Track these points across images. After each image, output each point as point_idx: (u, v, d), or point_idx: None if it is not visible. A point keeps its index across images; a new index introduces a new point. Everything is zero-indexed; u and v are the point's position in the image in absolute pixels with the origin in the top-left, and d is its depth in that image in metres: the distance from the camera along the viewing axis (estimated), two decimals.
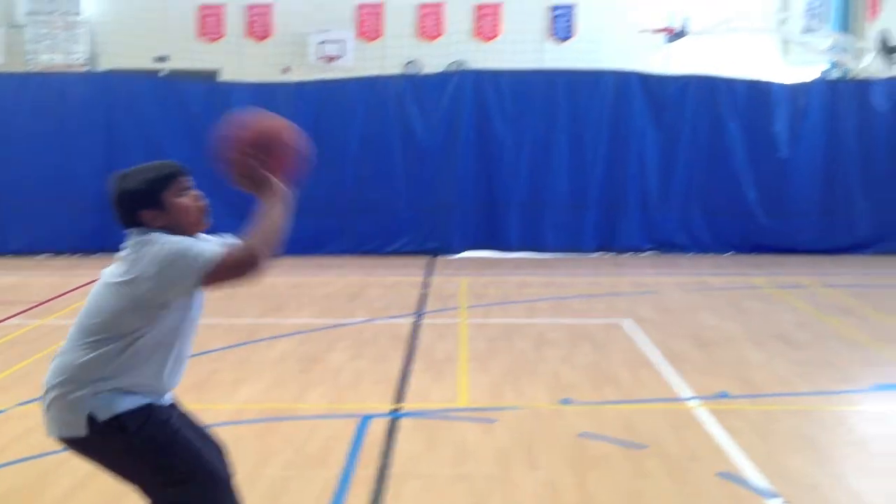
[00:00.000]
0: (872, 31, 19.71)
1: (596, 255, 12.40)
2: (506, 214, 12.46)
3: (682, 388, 5.92)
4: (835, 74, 19.12)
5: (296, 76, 15.99)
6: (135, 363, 2.68)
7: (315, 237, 11.85)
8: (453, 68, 16.10)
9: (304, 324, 8.02)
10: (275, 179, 2.67)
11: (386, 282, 10.32)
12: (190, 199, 2.76)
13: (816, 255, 12.03)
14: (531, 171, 12.48)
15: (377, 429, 5.10)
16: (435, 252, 12.31)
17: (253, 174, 2.67)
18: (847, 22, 21.23)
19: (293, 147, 2.75)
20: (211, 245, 2.69)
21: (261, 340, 7.37)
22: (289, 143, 2.74)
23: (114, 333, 2.65)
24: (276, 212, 2.64)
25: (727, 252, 12.34)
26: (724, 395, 5.73)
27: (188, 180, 2.78)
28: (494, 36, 23.68)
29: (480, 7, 23.57)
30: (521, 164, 12.47)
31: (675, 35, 20.66)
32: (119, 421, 2.65)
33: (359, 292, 9.68)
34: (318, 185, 11.97)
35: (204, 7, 18.38)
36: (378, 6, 21.40)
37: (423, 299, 9.22)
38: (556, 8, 24.14)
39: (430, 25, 23.00)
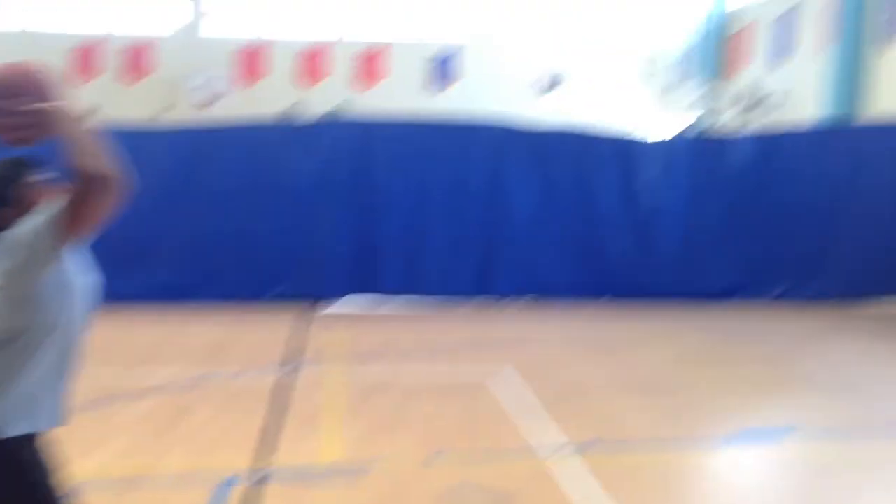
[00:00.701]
0: (737, 86, 20.52)
1: (474, 300, 12.36)
2: (384, 260, 12.30)
3: (553, 438, 5.85)
4: (701, 126, 19.79)
5: (172, 118, 15.56)
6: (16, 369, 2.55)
7: (185, 285, 11.44)
8: (335, 112, 15.94)
9: (169, 378, 7.65)
10: (46, 113, 2.44)
11: (257, 332, 10.00)
12: (39, 191, 2.66)
13: (683, 302, 12.27)
14: (410, 217, 12.38)
15: (239, 492, 4.83)
16: (311, 300, 12.03)
17: (18, 126, 2.45)
18: (714, 77, 22.07)
19: (40, 78, 2.53)
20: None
21: (120, 397, 6.98)
22: (32, 77, 2.52)
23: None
24: (78, 135, 2.40)
25: (600, 298, 12.48)
26: (594, 444, 5.68)
27: (35, 171, 2.68)
28: (378, 80, 23.69)
29: (365, 51, 23.56)
30: (400, 210, 12.36)
31: (553, 85, 21.08)
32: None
33: (228, 343, 9.34)
34: (189, 231, 11.60)
35: (79, 47, 17.78)
36: (259, 48, 21.11)
37: (295, 350, 8.95)
38: (439, 55, 24.35)
39: (312, 69, 22.81)
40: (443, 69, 24.07)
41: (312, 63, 22.53)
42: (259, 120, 12.58)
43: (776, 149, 12.96)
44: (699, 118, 19.66)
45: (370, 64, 23.80)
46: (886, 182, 11.96)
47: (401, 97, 21.84)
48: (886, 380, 7.98)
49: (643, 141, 13.15)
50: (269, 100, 18.77)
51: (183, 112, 16.77)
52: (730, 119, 17.77)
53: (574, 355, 8.81)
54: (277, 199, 11.97)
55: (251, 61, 21.07)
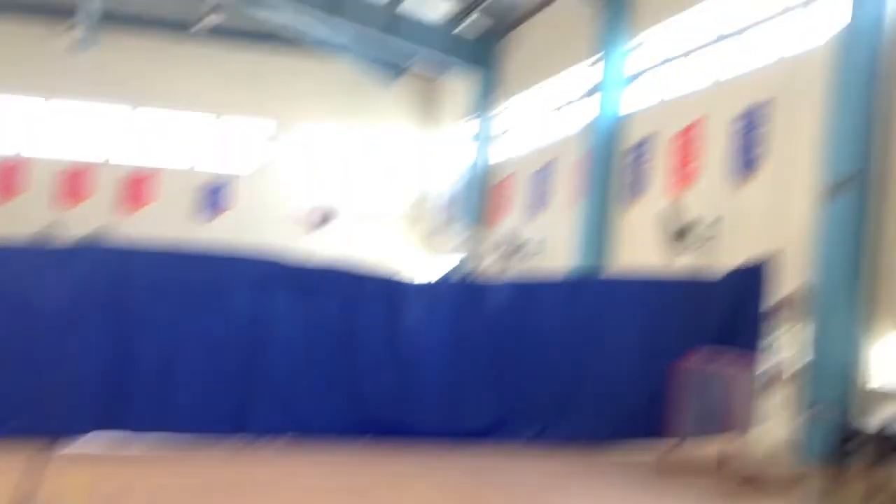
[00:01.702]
0: (498, 233, 21.43)
1: (230, 438, 11.75)
2: (134, 394, 11.50)
3: None
4: (464, 270, 20.37)
5: None
6: None
7: None
8: (94, 236, 15.08)
9: None
10: None
11: None
12: None
13: (444, 442, 12.24)
14: (165, 348, 11.70)
15: None
16: (48, 437, 10.95)
17: None
18: (476, 223, 22.97)
19: None
20: None
21: None
22: None
23: None
24: None
25: (362, 437, 12.23)
26: None
27: None
28: (144, 205, 22.86)
29: (132, 174, 22.75)
30: (155, 341, 11.68)
31: (323, 221, 21.13)
32: None
33: None
34: None
35: None
36: (17, 164, 19.91)
37: (24, 497, 8.05)
38: (210, 184, 23.91)
39: (74, 189, 21.71)
40: (213, 198, 23.62)
41: (74, 183, 21.45)
42: (9, 239, 11.70)
43: (532, 294, 13.45)
44: (462, 262, 20.26)
45: (137, 188, 22.99)
46: (629, 329, 12.63)
47: (167, 224, 21.14)
48: None
49: (409, 281, 13.29)
50: (25, 219, 17.62)
51: None
52: (491, 264, 18.42)
53: (328, 498, 8.48)
54: (19, 324, 11.02)
55: (6, 177, 19.80)
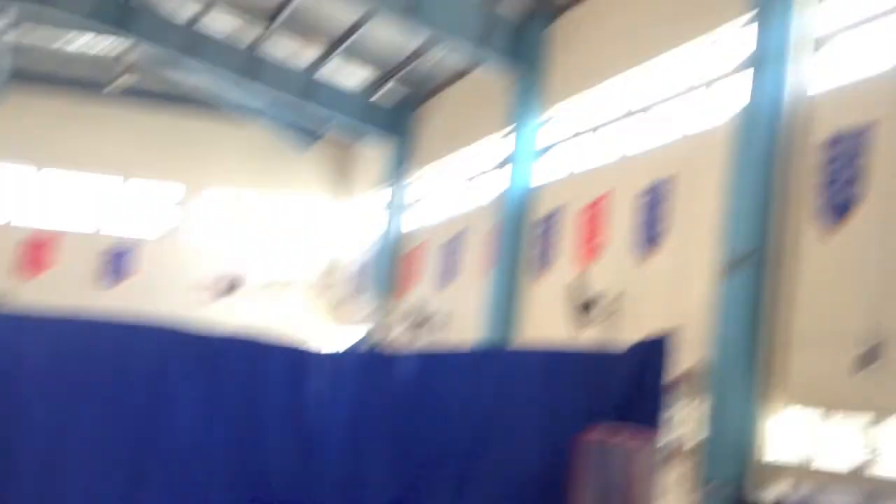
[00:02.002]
0: (406, 304, 21.28)
1: None
2: (12, 479, 10.85)
3: None
4: (371, 341, 20.15)
5: None
6: None
7: None
8: None
9: None
10: None
11: None
12: None
13: None
14: (52, 425, 11.06)
15: None
16: None
17: None
18: (385, 291, 22.80)
19: None
20: None
21: None
22: None
23: None
24: None
25: None
26: None
27: None
28: (44, 269, 22.14)
29: (32, 238, 22.06)
30: (41, 418, 11.05)
31: (230, 289, 20.71)
32: None
33: None
34: None
35: None
36: None
37: None
38: (114, 249, 23.30)
39: None
40: (117, 263, 23.01)
41: None
42: None
43: (437, 367, 13.27)
44: (370, 332, 20.04)
45: (37, 251, 22.28)
46: (532, 403, 12.50)
47: (68, 290, 20.47)
48: None
49: (315, 352, 13.04)
50: None
51: None
52: (399, 335, 18.24)
53: None
54: None
55: None
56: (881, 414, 9.74)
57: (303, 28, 22.09)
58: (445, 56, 21.22)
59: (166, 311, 14.83)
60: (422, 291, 21.39)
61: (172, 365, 11.82)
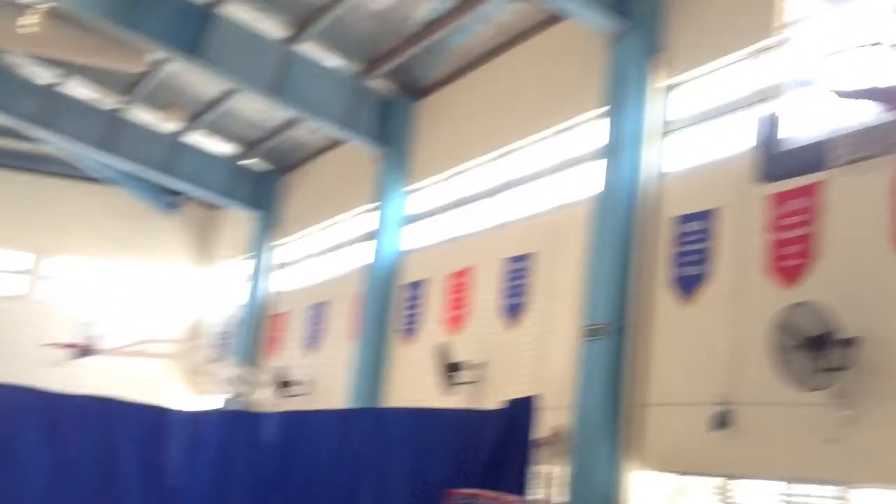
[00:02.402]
0: (271, 367, 20.87)
1: None
2: None
3: None
4: (235, 405, 19.62)
5: None
6: None
7: None
8: None
9: None
10: None
11: None
12: None
13: None
14: None
15: None
16: None
17: None
18: (250, 356, 22.31)
19: None
20: None
21: None
22: None
23: None
24: None
25: None
26: None
27: None
28: None
29: None
30: None
31: (84, 353, 19.81)
32: None
33: None
34: None
35: None
36: None
37: None
38: None
39: None
40: None
41: None
42: None
43: (305, 425, 13.12)
44: (232, 398, 19.52)
45: None
46: (399, 463, 12.45)
47: None
48: None
49: (175, 414, 12.62)
50: None
51: None
52: (262, 401, 17.84)
53: None
54: None
55: None
56: (733, 476, 10.20)
57: (165, 99, 21.59)
58: (314, 130, 21.27)
59: (17, 376, 14.07)
60: (287, 356, 21.05)
61: (19, 426, 11.20)
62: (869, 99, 6.05)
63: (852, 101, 6.65)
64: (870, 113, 7.75)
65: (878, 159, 8.30)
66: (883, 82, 5.77)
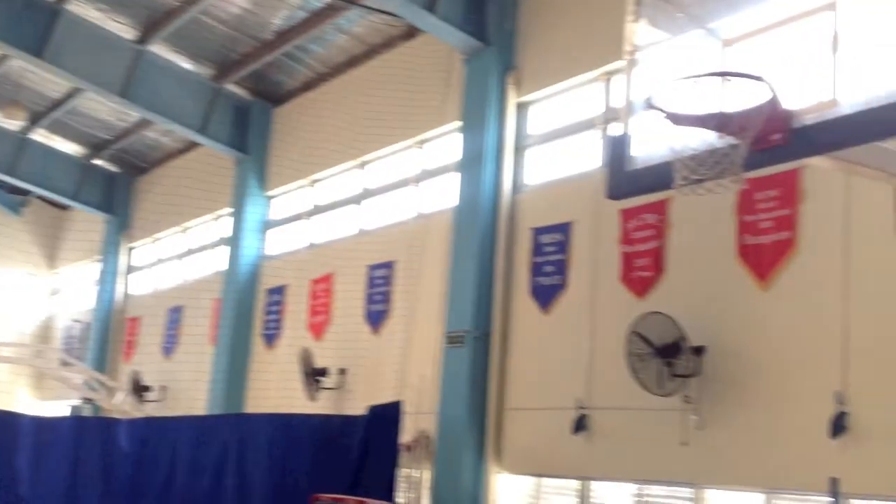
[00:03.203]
0: (126, 372, 19.88)
1: None
2: None
3: None
4: (86, 410, 18.63)
5: None
6: None
7: None
8: None
9: None
10: None
11: None
12: None
13: None
14: None
15: None
16: None
17: None
18: (103, 361, 21.18)
19: None
20: None
21: None
22: None
23: None
24: None
25: None
26: None
27: None
28: None
29: None
30: None
31: None
32: None
33: None
34: None
35: None
36: None
37: None
38: None
39: None
40: None
41: None
42: None
43: (159, 436, 12.67)
44: (83, 401, 18.50)
45: None
46: (269, 462, 12.10)
47: None
48: None
49: (22, 416, 11.92)
50: None
51: None
52: (116, 404, 16.96)
53: None
54: None
55: None
56: (591, 478, 10.40)
57: (7, 95, 20.14)
58: (167, 133, 20.34)
59: None
60: (144, 361, 20.09)
61: None
62: (701, 126, 6.23)
63: (687, 126, 6.85)
64: (709, 138, 8.02)
65: (719, 181, 8.60)
66: (716, 111, 6.00)
